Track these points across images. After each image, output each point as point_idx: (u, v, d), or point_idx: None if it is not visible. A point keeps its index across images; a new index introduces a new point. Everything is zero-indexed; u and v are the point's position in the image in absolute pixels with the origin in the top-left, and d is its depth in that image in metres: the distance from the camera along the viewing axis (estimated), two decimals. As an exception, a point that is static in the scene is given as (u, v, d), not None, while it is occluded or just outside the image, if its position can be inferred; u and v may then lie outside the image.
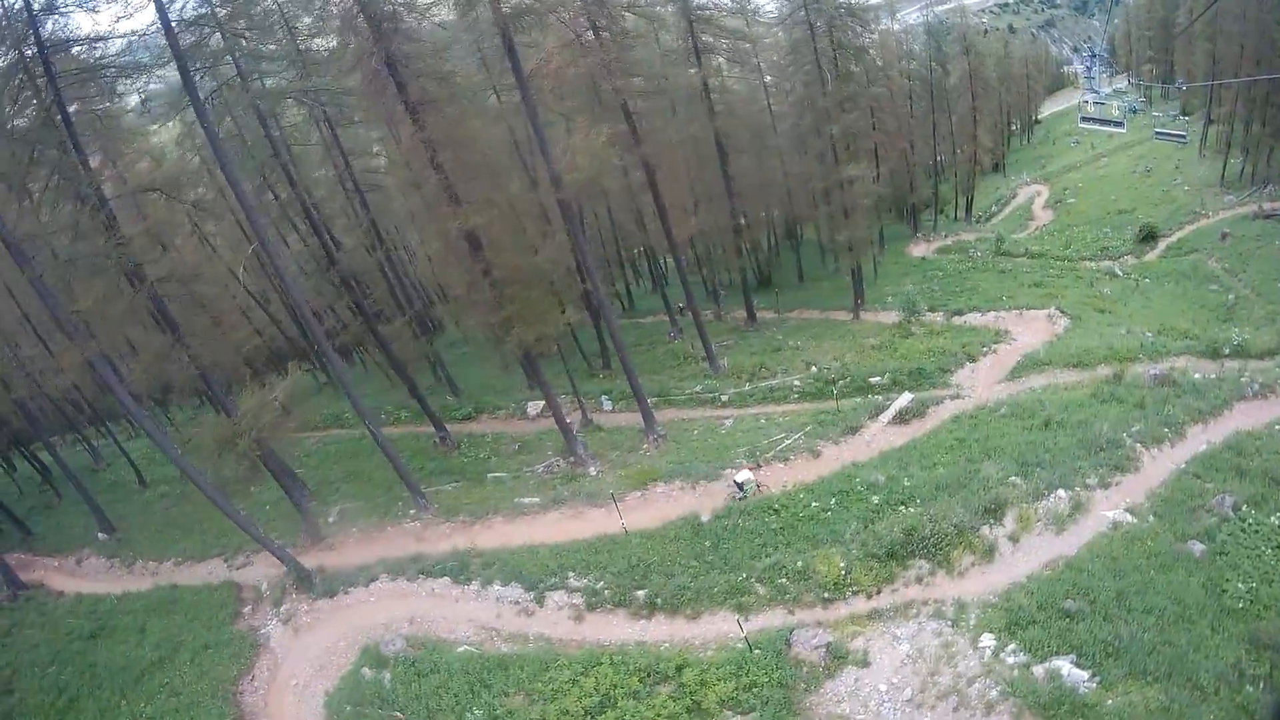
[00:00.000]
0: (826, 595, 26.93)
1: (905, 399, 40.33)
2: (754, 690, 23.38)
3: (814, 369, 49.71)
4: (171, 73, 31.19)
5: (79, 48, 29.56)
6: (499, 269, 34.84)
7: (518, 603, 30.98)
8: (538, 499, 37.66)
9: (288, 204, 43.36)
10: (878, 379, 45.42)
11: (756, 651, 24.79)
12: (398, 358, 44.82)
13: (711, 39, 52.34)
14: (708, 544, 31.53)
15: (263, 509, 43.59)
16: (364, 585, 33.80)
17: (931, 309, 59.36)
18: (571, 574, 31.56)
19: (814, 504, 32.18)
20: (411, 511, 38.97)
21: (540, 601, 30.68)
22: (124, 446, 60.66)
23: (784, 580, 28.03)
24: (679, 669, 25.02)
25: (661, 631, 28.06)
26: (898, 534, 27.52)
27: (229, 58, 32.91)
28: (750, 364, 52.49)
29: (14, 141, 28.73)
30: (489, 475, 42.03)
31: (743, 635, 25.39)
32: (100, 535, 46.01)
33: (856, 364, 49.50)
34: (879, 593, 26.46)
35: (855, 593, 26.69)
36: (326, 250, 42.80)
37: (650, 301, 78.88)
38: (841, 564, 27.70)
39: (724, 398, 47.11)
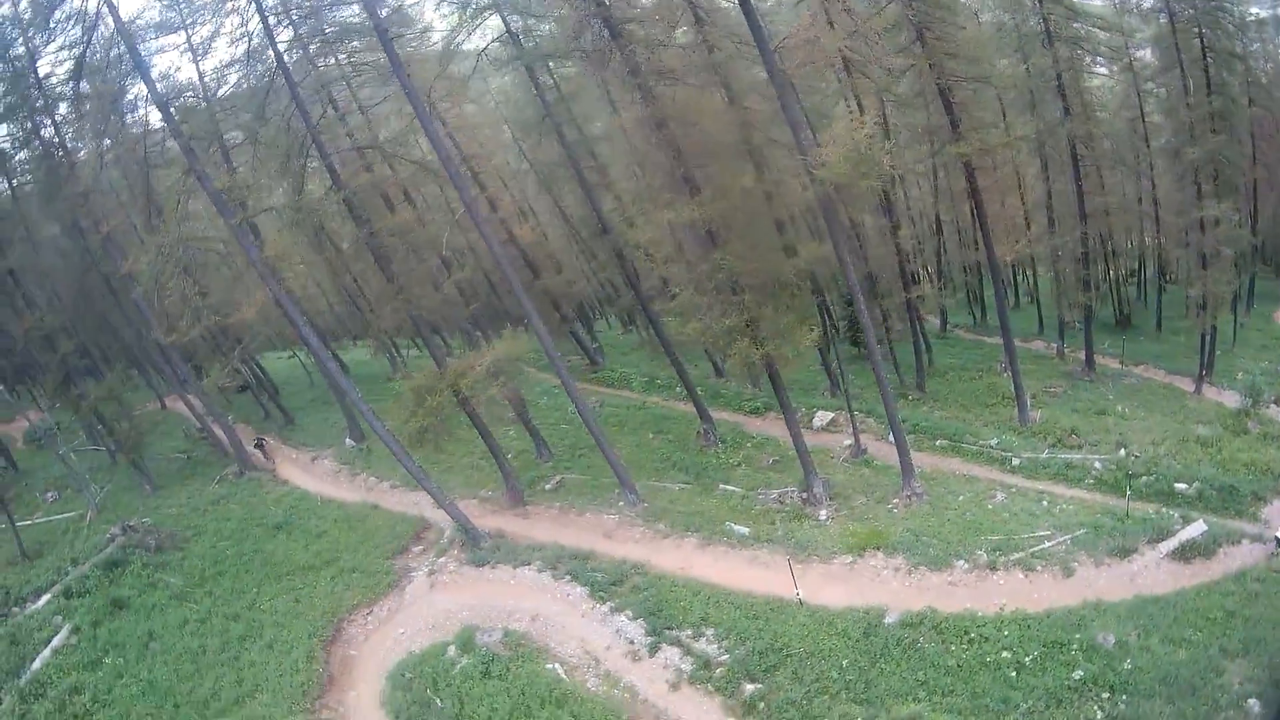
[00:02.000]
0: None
1: (1196, 530, 30.65)
2: None
3: (1123, 451, 39.83)
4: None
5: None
6: (733, 271, 29.93)
7: (632, 643, 27.08)
8: (748, 530, 32.81)
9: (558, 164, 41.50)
10: (1184, 486, 35.03)
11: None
12: (665, 337, 41.19)
13: (1067, 22, 43.48)
14: (866, 659, 25.25)
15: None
16: (513, 566, 31.78)
17: None
18: (707, 632, 26.99)
19: (1006, 652, 24.82)
20: (620, 504, 35.93)
21: (653, 652, 26.53)
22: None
23: None
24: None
25: (738, 747, 23.18)
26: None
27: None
28: (1065, 424, 43.13)
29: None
30: (721, 486, 37.60)
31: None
32: (349, 442, 48.12)
33: (1170, 458, 38.91)
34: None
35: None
36: (599, 216, 40.60)
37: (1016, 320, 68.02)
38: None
39: (1015, 461, 38.79)
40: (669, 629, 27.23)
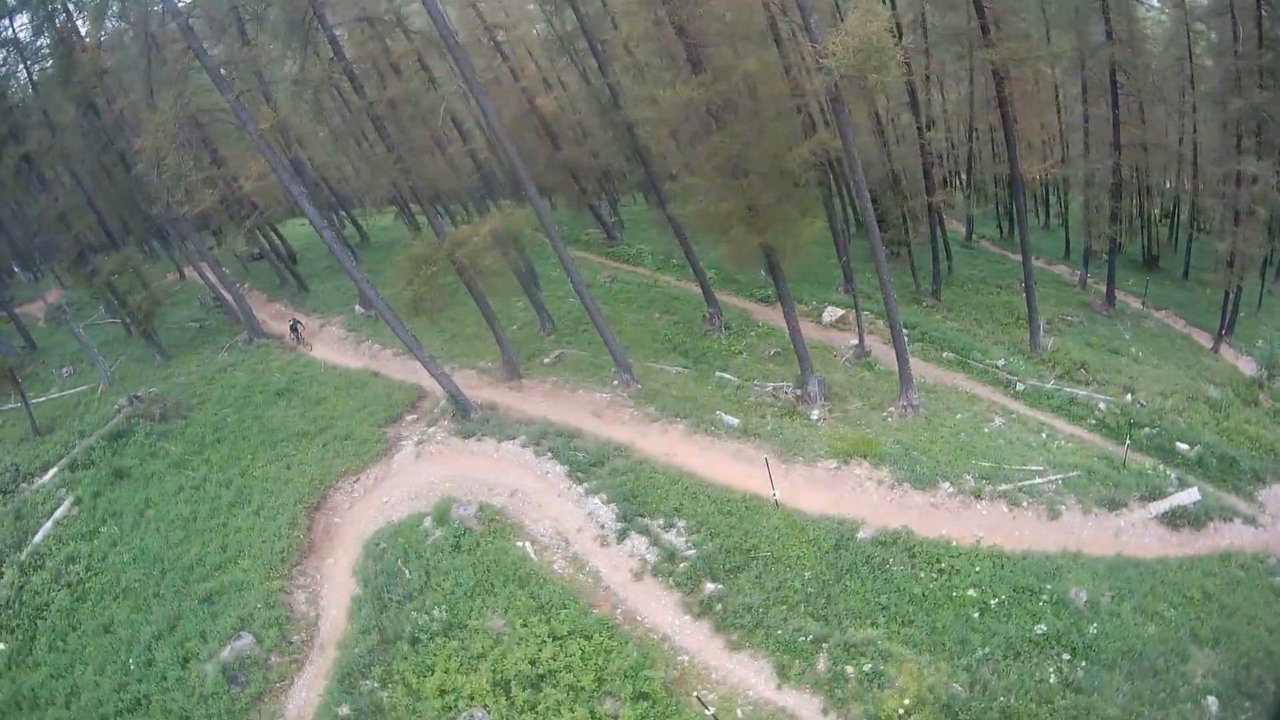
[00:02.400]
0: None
1: (1190, 497, 29.58)
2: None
3: (1130, 396, 38.69)
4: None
5: None
6: (733, 155, 28.51)
7: (603, 527, 27.34)
8: (738, 422, 32.48)
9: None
10: (1185, 447, 33.96)
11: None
12: (674, 219, 40.27)
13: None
14: (831, 572, 25.18)
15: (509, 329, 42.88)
16: (498, 440, 31.91)
17: (1297, 378, 44.33)
18: (678, 524, 27.10)
19: (974, 590, 24.37)
20: (615, 383, 35.68)
21: (621, 538, 26.80)
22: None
23: (850, 669, 21.80)
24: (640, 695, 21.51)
25: (690, 642, 23.54)
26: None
27: None
28: (1076, 356, 41.88)
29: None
30: (718, 374, 37.02)
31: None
32: (358, 308, 48.08)
33: (1176, 415, 37.76)
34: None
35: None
36: (610, 90, 39.31)
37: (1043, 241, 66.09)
38: (925, 689, 21.26)
39: (1020, 387, 37.74)
40: (641, 516, 27.37)
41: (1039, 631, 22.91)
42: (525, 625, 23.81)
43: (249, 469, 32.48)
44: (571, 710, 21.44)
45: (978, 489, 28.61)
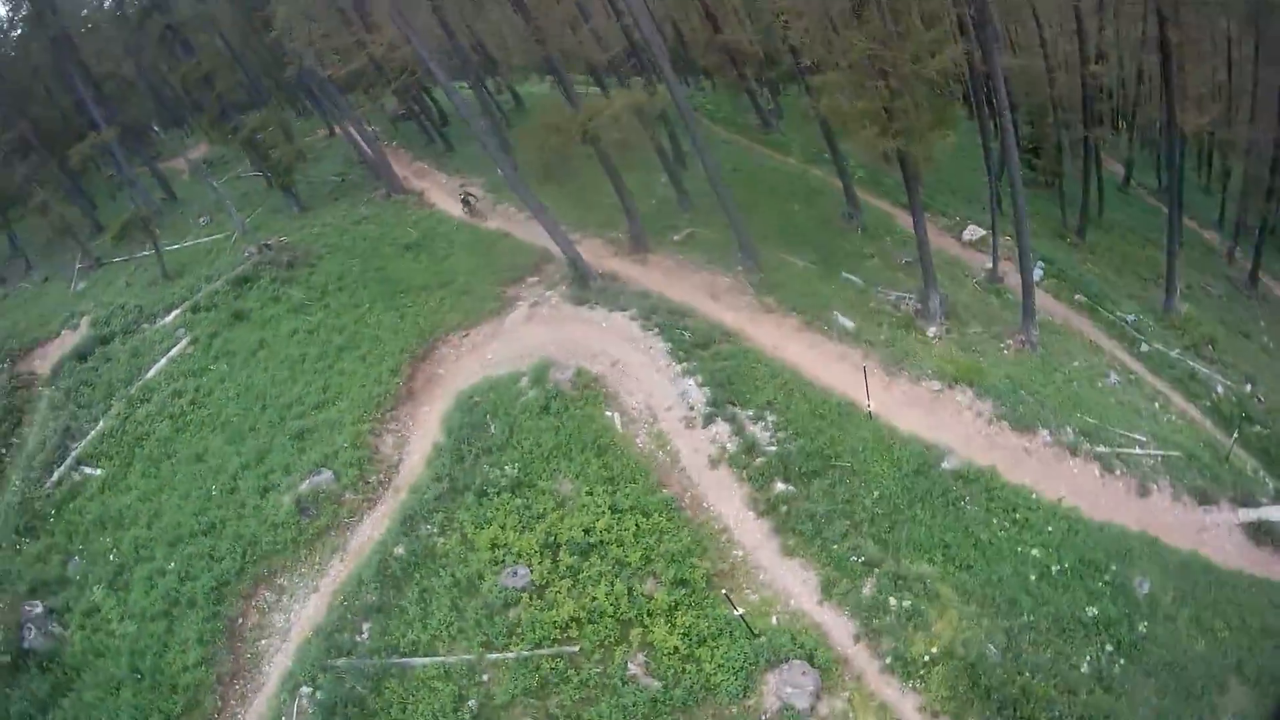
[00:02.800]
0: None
1: None
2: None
3: (1249, 387, 35.43)
4: None
5: None
6: (871, 54, 26.21)
7: (692, 409, 26.59)
8: (852, 325, 30.77)
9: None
10: None
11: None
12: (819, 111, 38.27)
13: None
14: (904, 498, 23.95)
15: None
16: (609, 310, 31.46)
17: None
18: (768, 418, 26.01)
19: (1039, 550, 23.18)
20: (739, 268, 34.34)
21: (707, 423, 26.04)
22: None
23: (893, 600, 21.29)
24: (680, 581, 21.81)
25: (748, 538, 23.19)
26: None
27: None
28: (1207, 330, 38.38)
29: None
30: (844, 274, 35.18)
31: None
32: (500, 171, 47.18)
33: None
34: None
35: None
36: None
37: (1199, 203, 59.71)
38: (958, 641, 20.82)
39: (1144, 348, 34.89)
40: (731, 404, 26.51)
41: (1090, 614, 21.86)
42: (590, 494, 23.74)
43: (364, 317, 33.18)
44: (611, 583, 21.42)
45: (1075, 444, 26.94)
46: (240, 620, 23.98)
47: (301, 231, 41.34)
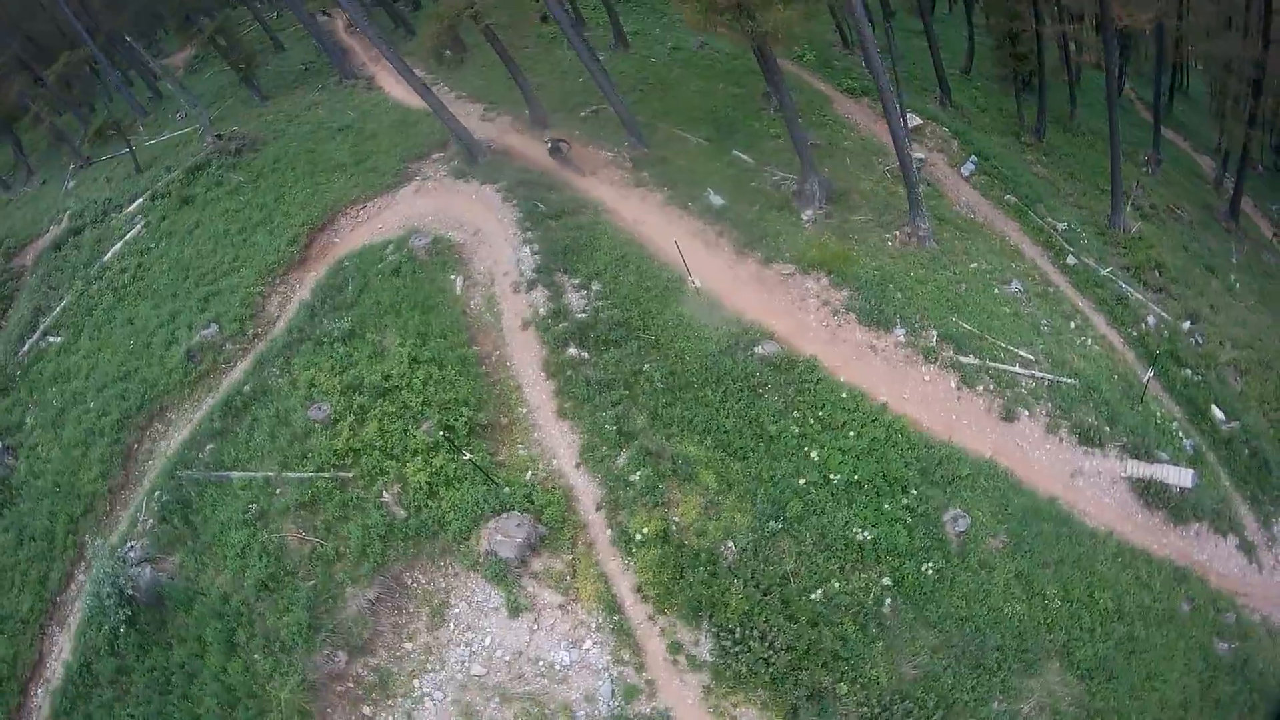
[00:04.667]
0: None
1: (1181, 477, 25.06)
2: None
3: (1187, 325, 32.57)
4: None
5: None
6: None
7: (522, 275, 28.32)
8: (723, 202, 31.38)
9: None
10: (1222, 417, 29.13)
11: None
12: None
13: None
14: (699, 378, 24.77)
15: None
16: (481, 183, 33.01)
17: None
18: (592, 286, 27.61)
19: (844, 455, 23.12)
20: (628, 143, 35.03)
21: (530, 288, 27.75)
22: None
23: (638, 476, 22.24)
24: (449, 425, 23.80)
25: (534, 397, 24.96)
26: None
27: None
28: (1159, 255, 35.69)
29: None
30: (735, 152, 35.23)
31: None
32: (449, 53, 45.82)
33: (1235, 373, 32.07)
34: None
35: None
36: None
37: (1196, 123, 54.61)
38: (684, 530, 21.52)
39: (1070, 259, 32.95)
40: (561, 272, 28.00)
41: (863, 538, 21.56)
42: (403, 345, 25.90)
43: (285, 195, 35.71)
44: (390, 423, 23.71)
45: (933, 349, 26.30)
46: (135, 446, 27.93)
47: (258, 120, 43.86)
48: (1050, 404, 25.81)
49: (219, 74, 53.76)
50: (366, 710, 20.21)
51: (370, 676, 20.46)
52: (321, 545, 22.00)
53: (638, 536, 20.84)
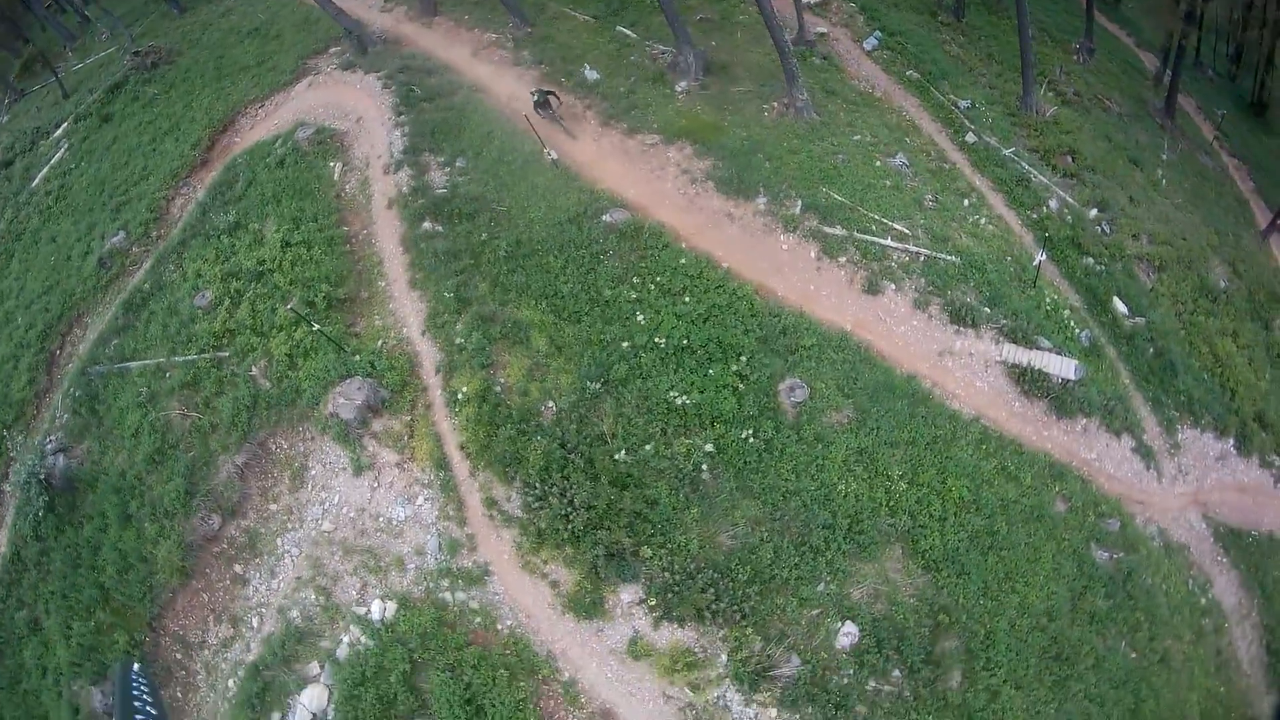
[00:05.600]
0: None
1: (1063, 367, 24.32)
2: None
3: (1095, 212, 31.61)
4: None
5: None
6: None
7: (393, 156, 28.97)
8: (597, 77, 31.70)
9: None
10: (1125, 311, 28.28)
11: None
12: None
13: None
14: (545, 244, 25.47)
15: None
16: (365, 73, 33.36)
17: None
18: (456, 163, 28.45)
19: (671, 319, 23.38)
20: (512, 23, 34.85)
21: (397, 169, 28.50)
22: None
23: (472, 340, 23.35)
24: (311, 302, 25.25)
25: (391, 271, 26.07)
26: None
27: None
28: (1074, 140, 34.54)
29: None
30: (619, 28, 34.85)
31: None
32: None
33: (1148, 269, 31.08)
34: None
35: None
36: None
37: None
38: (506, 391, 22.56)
39: (970, 137, 32.18)
40: (428, 151, 28.83)
41: (682, 402, 21.75)
42: (278, 231, 27.28)
43: (193, 102, 36.53)
44: (262, 304, 25.38)
45: (795, 219, 26.21)
46: (57, 352, 29.82)
47: (176, 33, 43.86)
48: (923, 280, 25.40)
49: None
50: (238, 568, 22.45)
51: (241, 537, 22.71)
52: (200, 419, 23.96)
53: (459, 395, 22.22)
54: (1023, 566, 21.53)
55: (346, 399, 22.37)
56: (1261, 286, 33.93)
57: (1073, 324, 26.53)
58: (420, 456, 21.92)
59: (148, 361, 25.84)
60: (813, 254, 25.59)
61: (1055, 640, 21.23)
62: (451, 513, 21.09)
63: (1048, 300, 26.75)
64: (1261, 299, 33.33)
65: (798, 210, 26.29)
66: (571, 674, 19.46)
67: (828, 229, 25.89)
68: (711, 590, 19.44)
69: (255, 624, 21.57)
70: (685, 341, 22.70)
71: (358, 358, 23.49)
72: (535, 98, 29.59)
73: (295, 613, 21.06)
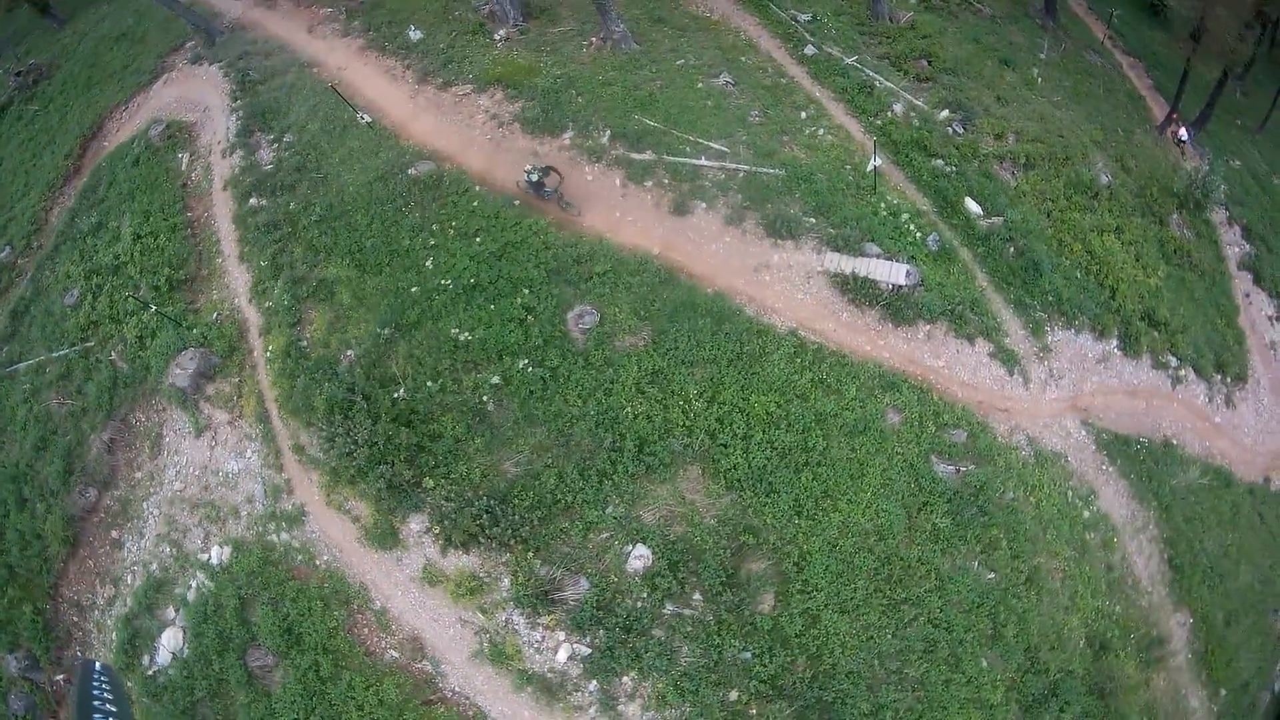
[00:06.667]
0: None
1: (893, 272, 23.90)
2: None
3: (945, 113, 31.22)
4: None
5: None
6: None
7: (229, 140, 30.75)
8: (420, 36, 32.59)
9: None
10: (979, 212, 27.73)
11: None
12: None
13: None
14: (356, 203, 26.87)
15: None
16: (209, 63, 34.65)
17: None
18: (285, 139, 30.00)
19: (466, 259, 24.62)
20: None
21: (231, 152, 30.28)
22: None
23: (284, 301, 25.30)
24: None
25: (226, 249, 27.96)
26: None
27: None
28: (930, 46, 34.28)
29: None
30: None
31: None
32: None
33: (1013, 168, 30.46)
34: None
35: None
36: None
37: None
38: (313, 344, 24.52)
39: (809, 50, 32.55)
40: (259, 131, 30.49)
41: (465, 338, 22.93)
42: (131, 226, 29.40)
43: (69, 112, 38.36)
44: (120, 293, 27.60)
45: (600, 149, 26.96)
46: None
47: (56, 46, 45.08)
48: (740, 196, 25.63)
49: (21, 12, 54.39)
50: (114, 534, 25.16)
51: (115, 505, 25.40)
52: (74, 405, 26.60)
53: (268, 353, 24.48)
54: (844, 483, 21.47)
55: (181, 369, 24.88)
56: (1155, 181, 33.69)
57: (914, 228, 26.22)
58: (247, 413, 24.28)
59: (30, 361, 28.39)
60: (617, 181, 26.49)
61: (887, 561, 21.13)
62: (272, 461, 23.35)
63: (884, 206, 26.50)
64: (1154, 194, 33.20)
65: (605, 140, 27.16)
66: (383, 603, 21.23)
67: (635, 155, 26.63)
68: (487, 516, 20.51)
69: (130, 581, 24.27)
70: (473, 280, 24.03)
71: (194, 331, 25.83)
72: (530, 177, 25.53)
73: (155, 565, 23.85)
